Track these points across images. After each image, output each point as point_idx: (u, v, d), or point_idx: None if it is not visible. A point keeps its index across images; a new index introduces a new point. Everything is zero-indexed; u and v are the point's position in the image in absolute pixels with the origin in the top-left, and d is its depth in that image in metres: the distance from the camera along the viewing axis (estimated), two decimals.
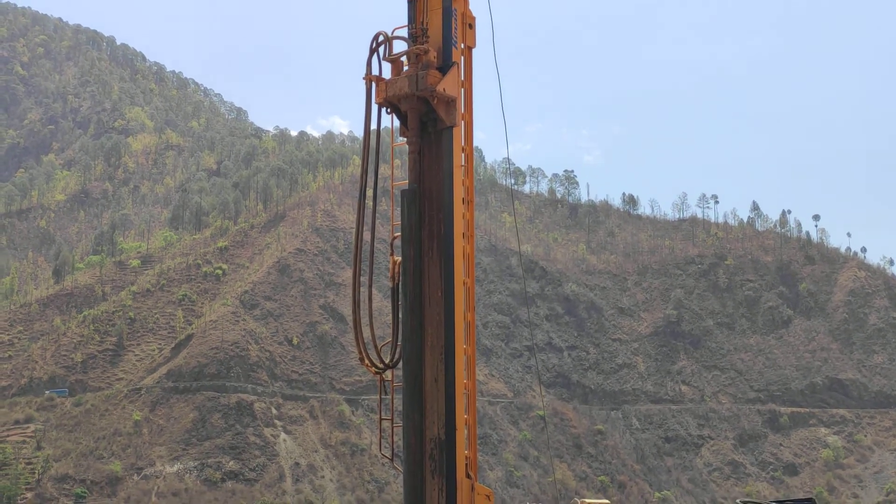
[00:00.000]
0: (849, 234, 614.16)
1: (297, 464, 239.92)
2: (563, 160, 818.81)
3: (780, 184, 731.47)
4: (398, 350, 23.82)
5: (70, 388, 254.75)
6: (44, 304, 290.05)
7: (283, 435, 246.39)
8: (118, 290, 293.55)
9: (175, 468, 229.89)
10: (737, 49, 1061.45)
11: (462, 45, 24.23)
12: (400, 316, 23.69)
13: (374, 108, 24.26)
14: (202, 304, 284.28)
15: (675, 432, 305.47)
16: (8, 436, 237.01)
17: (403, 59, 23.97)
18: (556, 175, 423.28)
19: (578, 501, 26.55)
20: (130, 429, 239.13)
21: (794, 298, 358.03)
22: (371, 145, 24.46)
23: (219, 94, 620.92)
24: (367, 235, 24.68)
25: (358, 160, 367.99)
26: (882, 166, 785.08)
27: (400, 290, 23.72)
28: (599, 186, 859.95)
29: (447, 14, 23.90)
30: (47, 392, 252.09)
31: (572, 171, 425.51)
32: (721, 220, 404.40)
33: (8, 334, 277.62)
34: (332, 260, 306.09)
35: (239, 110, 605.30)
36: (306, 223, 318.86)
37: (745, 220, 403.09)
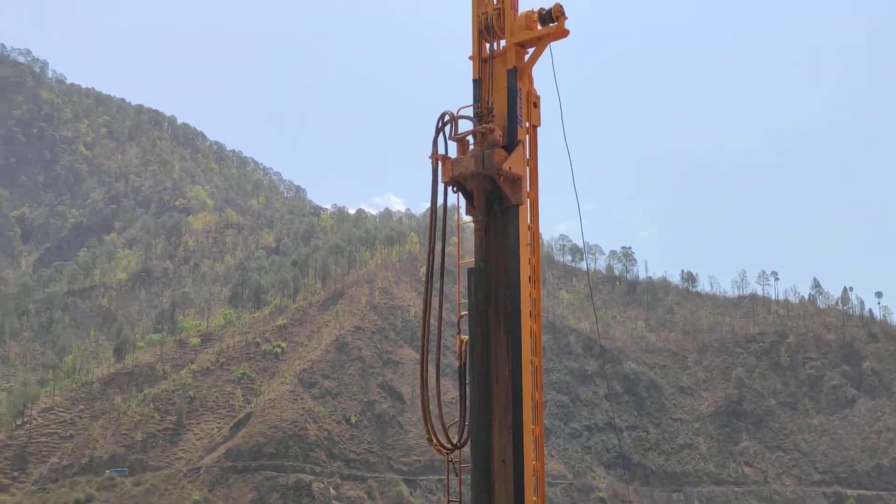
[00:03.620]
0: None
1: None
2: (618, 237, 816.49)
3: (841, 260, 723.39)
4: (466, 430, 23.62)
5: (130, 468, 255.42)
6: (105, 382, 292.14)
7: None
8: (178, 369, 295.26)
9: None
10: (792, 124, 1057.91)
11: (527, 124, 24.30)
12: (468, 395, 23.51)
13: (441, 186, 24.29)
14: (261, 382, 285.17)
15: None
16: None
17: (469, 138, 24.05)
18: (613, 252, 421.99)
19: None
20: None
21: (858, 377, 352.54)
22: (438, 226, 24.46)
23: (278, 173, 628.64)
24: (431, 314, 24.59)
25: (415, 238, 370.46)
26: None
27: (467, 369, 23.56)
28: (657, 263, 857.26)
29: (512, 94, 24.03)
30: (107, 471, 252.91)
31: (630, 248, 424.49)
32: (782, 297, 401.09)
33: (69, 413, 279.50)
34: (389, 338, 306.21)
35: (297, 188, 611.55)
36: (364, 301, 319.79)
37: (807, 297, 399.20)
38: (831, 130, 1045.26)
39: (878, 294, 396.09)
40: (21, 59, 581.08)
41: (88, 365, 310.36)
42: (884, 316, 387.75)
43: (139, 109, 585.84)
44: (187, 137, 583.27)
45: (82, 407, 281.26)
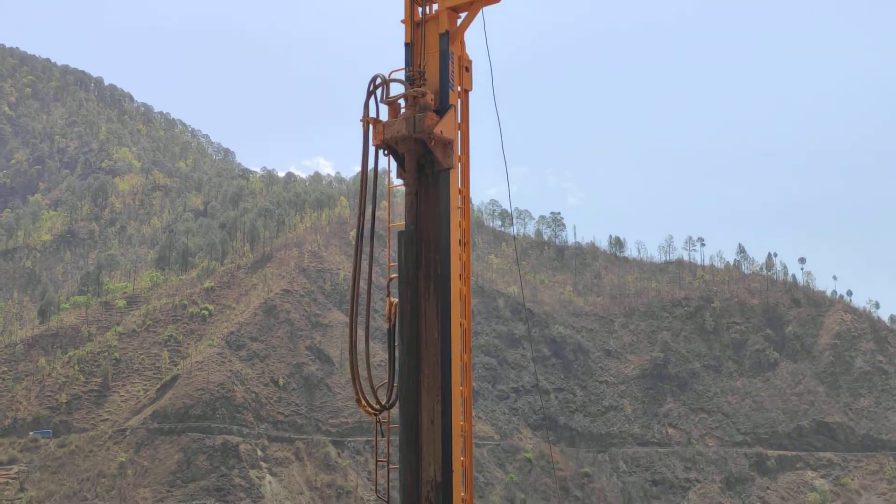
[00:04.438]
0: (835, 278, 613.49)
1: None
2: (547, 202, 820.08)
3: (766, 227, 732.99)
4: (394, 391, 23.76)
5: (54, 429, 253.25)
6: (29, 344, 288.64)
7: (268, 477, 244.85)
8: (104, 331, 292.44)
9: None
10: (722, 96, 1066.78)
11: (459, 88, 24.33)
12: (396, 357, 23.62)
13: (372, 149, 24.29)
14: (188, 344, 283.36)
15: (662, 475, 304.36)
16: None
17: (401, 101, 24.05)
18: (542, 217, 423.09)
19: None
20: (115, 470, 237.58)
21: (781, 341, 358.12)
22: (368, 189, 24.46)
23: (206, 135, 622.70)
24: (361, 277, 24.63)
25: (345, 201, 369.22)
26: (869, 210, 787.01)
27: (396, 331, 23.67)
28: (585, 228, 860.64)
29: (444, 58, 24.03)
30: (31, 433, 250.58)
31: (559, 213, 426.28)
32: (707, 262, 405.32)
33: None
34: (318, 301, 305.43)
35: (226, 151, 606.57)
36: (293, 264, 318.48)
37: (732, 262, 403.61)
38: (765, 101, 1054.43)
39: (802, 260, 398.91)
40: None
41: (12, 326, 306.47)
42: (807, 281, 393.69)
43: (65, 70, 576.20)
44: (114, 98, 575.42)
45: (5, 368, 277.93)
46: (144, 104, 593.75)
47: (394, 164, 24.33)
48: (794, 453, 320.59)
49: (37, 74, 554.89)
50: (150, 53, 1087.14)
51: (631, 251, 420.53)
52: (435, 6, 24.29)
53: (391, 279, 24.09)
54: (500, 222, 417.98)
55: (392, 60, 24.93)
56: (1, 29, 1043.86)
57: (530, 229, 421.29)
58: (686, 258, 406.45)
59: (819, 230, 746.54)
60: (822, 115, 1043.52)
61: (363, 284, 24.46)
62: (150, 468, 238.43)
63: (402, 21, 24.60)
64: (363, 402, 23.96)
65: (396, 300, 23.68)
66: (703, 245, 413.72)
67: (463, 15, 24.39)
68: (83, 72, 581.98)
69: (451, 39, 24.13)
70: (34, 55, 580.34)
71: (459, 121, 24.35)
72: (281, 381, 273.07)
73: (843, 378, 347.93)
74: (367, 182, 24.32)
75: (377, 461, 24.16)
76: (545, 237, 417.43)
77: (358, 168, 24.77)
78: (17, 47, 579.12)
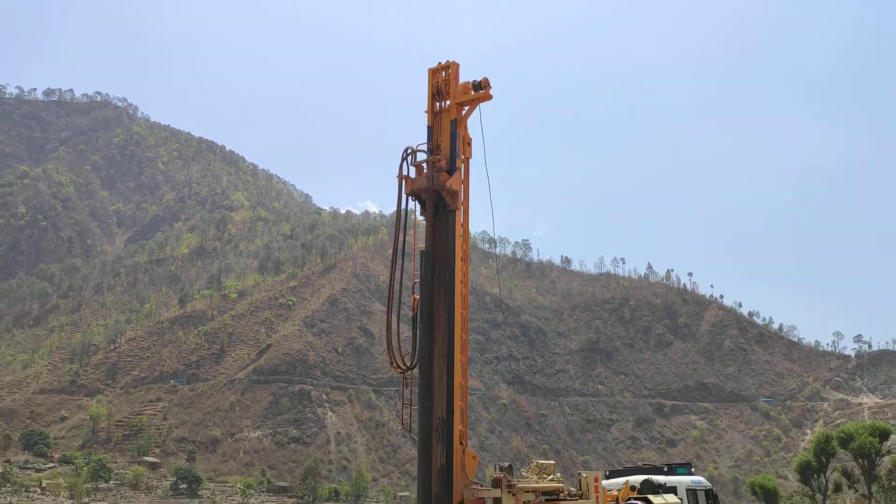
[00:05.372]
0: (712, 286, 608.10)
1: (339, 433, 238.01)
2: (520, 231, 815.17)
3: (666, 249, 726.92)
4: (416, 358, 23.82)
5: (187, 379, 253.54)
6: (171, 322, 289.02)
7: (329, 413, 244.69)
8: (222, 314, 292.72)
9: (256, 434, 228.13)
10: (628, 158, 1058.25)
11: (463, 157, 24.50)
12: (418, 335, 23.70)
13: (404, 196, 24.45)
14: (278, 324, 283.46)
15: (593, 416, 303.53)
16: (144, 410, 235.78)
17: (424, 164, 24.23)
18: (517, 242, 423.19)
19: (534, 462, 26.10)
20: (227, 407, 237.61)
21: (675, 328, 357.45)
22: (401, 222, 24.58)
23: (293, 184, 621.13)
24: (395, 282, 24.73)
25: (385, 231, 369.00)
26: (737, 231, 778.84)
27: (418, 317, 23.76)
28: (545, 250, 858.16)
29: (454, 136, 24.24)
30: (172, 381, 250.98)
31: (528, 240, 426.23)
32: (626, 274, 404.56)
33: (147, 342, 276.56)
34: (366, 296, 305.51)
35: (306, 195, 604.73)
36: (349, 271, 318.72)
37: (643, 274, 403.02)
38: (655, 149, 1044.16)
39: (690, 273, 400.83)
40: (120, 103, 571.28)
41: (161, 310, 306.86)
42: (693, 287, 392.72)
43: (200, 140, 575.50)
44: (232, 159, 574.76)
45: (155, 338, 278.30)
46: (252, 163, 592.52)
47: (419, 207, 24.47)
48: (682, 403, 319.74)
49: (181, 142, 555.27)
50: (260, 130, 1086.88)
51: (576, 266, 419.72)
52: (447, 102, 24.47)
53: (415, 283, 24.16)
54: (488, 245, 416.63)
55: (418, 134, 25.12)
56: (159, 110, 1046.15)
57: (508, 250, 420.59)
58: (612, 271, 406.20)
59: (701, 248, 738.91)
60: (708, 162, 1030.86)
61: (396, 286, 24.54)
62: (250, 406, 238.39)
63: (426, 111, 24.79)
64: (395, 364, 24.03)
65: (419, 297, 23.76)
66: (623, 262, 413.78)
67: (466, 108, 24.58)
68: (212, 141, 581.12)
69: (458, 124, 24.31)
70: (179, 129, 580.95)
71: (463, 178, 24.48)
72: (339, 349, 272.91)
73: (716, 353, 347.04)
74: (401, 218, 24.46)
75: (403, 404, 24.15)
76: (518, 256, 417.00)
77: (395, 208, 24.90)
78: (169, 124, 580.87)
